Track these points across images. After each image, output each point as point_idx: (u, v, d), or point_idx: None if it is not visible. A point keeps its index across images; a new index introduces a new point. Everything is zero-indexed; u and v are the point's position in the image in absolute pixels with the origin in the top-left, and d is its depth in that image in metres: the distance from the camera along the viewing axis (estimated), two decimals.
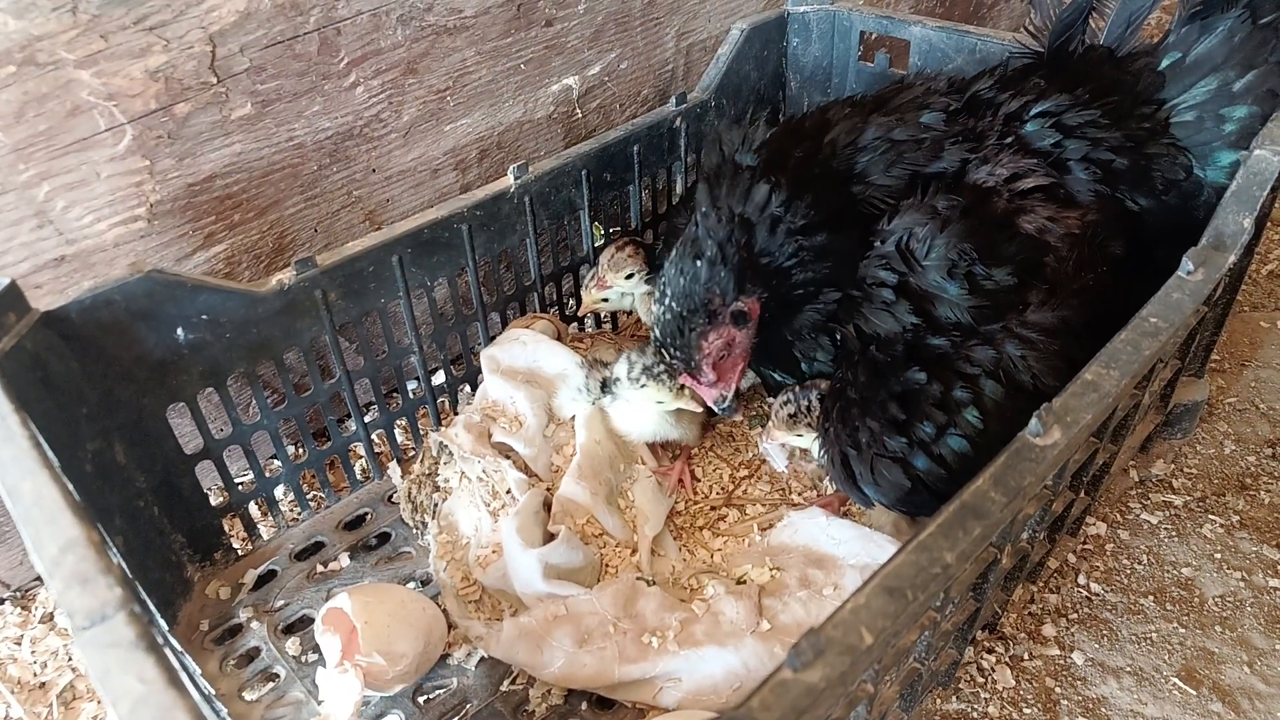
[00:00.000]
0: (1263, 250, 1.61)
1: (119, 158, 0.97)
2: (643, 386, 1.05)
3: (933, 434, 0.86)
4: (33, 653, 1.06)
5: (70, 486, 0.63)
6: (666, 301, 0.93)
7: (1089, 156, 0.98)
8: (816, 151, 0.99)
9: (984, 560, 0.80)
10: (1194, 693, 0.95)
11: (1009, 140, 0.99)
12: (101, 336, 0.87)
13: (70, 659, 1.05)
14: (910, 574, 0.61)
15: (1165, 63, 1.04)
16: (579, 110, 1.41)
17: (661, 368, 1.03)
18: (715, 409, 0.99)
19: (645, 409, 1.10)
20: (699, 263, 0.91)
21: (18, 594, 1.12)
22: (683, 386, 1.02)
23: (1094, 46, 1.11)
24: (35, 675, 1.04)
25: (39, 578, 1.13)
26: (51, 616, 1.10)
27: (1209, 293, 0.88)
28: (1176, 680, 0.97)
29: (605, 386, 1.13)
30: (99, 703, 1.00)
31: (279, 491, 1.15)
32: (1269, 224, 1.67)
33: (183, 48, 0.97)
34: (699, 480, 1.14)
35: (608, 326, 1.45)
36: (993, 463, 0.69)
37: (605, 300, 1.26)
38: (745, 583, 0.96)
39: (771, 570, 0.97)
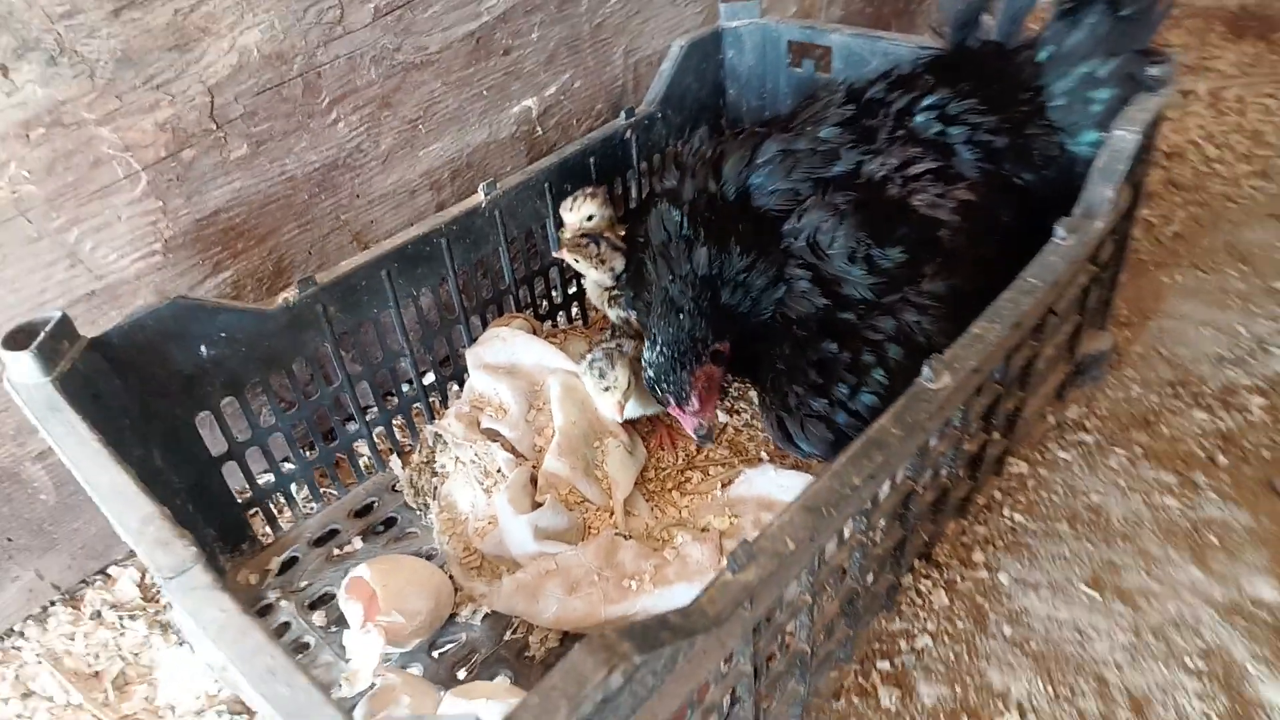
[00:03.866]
0: (1166, 213, 1.77)
1: (136, 201, 1.10)
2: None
3: (848, 393, 1.02)
4: (86, 646, 1.19)
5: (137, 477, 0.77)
6: (658, 347, 1.10)
7: (972, 139, 1.14)
8: (724, 197, 1.16)
9: (903, 491, 0.96)
10: (1099, 597, 1.11)
11: (900, 134, 1.14)
12: (138, 357, 1.00)
13: (120, 649, 1.18)
14: (825, 495, 0.76)
15: (1043, 55, 1.19)
16: (539, 128, 1.55)
17: (600, 358, 1.20)
18: (695, 438, 1.15)
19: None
20: (681, 316, 1.09)
21: (67, 596, 1.25)
22: (607, 388, 1.19)
23: (988, 41, 1.26)
24: (89, 665, 1.17)
25: (86, 580, 1.26)
26: (99, 614, 1.23)
27: (1082, 255, 1.04)
28: (1084, 587, 1.12)
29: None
30: (149, 684, 1.14)
31: (294, 487, 1.28)
32: (1172, 188, 1.85)
33: (186, 100, 1.10)
34: (678, 442, 1.30)
35: (579, 323, 1.59)
36: (893, 405, 0.84)
37: (584, 243, 1.32)
38: (708, 530, 1.11)
39: (730, 518, 1.12)
